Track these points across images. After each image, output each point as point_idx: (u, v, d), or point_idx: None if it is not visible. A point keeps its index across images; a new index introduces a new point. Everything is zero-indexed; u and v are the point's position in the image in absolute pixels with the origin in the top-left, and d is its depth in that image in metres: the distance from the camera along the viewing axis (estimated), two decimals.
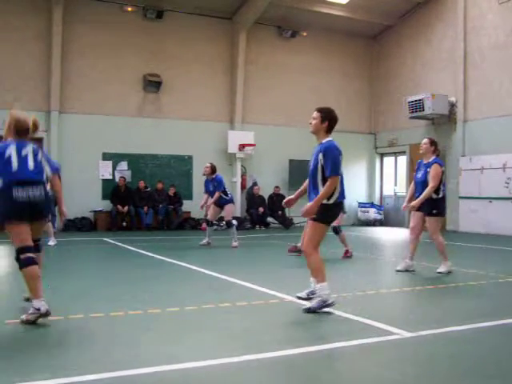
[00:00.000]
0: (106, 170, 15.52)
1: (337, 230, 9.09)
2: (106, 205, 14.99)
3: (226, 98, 17.19)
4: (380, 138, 19.22)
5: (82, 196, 14.72)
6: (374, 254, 9.97)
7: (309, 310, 5.02)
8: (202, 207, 11.37)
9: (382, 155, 19.53)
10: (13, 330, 4.47)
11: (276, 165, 17.48)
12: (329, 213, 5.15)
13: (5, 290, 6.65)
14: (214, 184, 11.02)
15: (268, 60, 17.65)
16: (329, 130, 5.24)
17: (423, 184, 7.49)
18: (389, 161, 19.38)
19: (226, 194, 11.18)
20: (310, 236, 5.14)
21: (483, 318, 4.92)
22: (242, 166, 17.10)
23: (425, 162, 7.62)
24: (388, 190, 19.22)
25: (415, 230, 7.71)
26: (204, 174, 11.31)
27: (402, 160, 18.34)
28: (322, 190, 5.05)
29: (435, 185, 7.34)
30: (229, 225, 11.14)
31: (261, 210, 16.54)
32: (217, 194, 10.94)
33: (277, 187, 17.10)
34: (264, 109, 17.43)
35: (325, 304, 5.03)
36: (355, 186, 18.80)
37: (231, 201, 11.37)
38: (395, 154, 18.83)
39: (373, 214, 18.46)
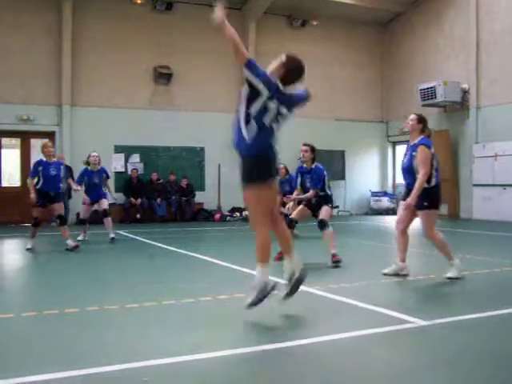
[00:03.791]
0: (118, 163, 15.59)
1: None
2: (119, 197, 15.04)
3: (237, 88, 17.05)
4: (392, 127, 19.08)
5: None
6: (387, 243, 9.92)
7: None
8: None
9: (394, 143, 19.41)
10: (29, 322, 4.52)
11: (288, 155, 17.34)
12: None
13: (21, 284, 6.72)
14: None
15: (278, 50, 17.41)
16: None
17: (408, 171, 6.30)
18: (401, 149, 19.22)
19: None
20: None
21: (499, 305, 4.88)
22: None
23: (411, 143, 6.44)
24: (400, 179, 19.03)
25: (399, 225, 6.39)
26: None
27: None
28: None
29: (427, 171, 5.95)
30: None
31: None
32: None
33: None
34: None
35: None
36: (368, 174, 18.74)
37: None
38: (407, 142, 18.66)
39: (386, 202, 18.39)
